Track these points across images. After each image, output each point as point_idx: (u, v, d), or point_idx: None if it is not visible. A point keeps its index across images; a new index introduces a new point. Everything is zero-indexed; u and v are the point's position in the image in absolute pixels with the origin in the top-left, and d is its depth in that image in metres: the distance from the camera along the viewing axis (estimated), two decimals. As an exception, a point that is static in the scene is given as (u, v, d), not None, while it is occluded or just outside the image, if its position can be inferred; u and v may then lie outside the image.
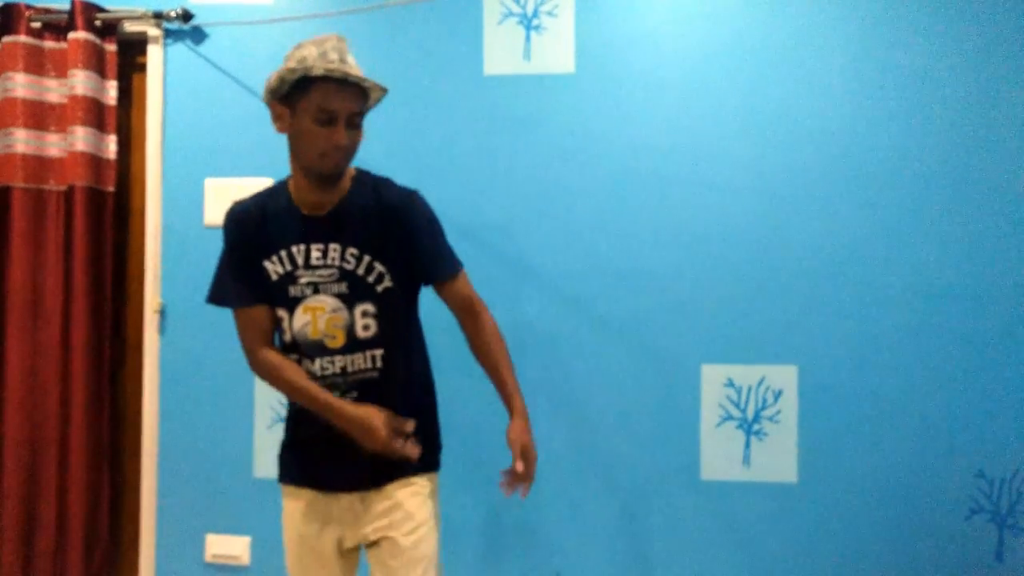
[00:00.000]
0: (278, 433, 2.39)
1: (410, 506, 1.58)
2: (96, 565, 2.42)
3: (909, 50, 2.27)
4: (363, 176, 1.61)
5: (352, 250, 1.54)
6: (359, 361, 1.56)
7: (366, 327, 1.56)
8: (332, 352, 1.55)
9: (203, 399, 2.44)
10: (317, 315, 1.54)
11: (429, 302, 1.70)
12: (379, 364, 1.57)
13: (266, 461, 2.42)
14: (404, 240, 1.56)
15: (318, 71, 1.43)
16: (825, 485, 2.26)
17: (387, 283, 1.56)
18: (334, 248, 1.54)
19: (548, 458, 2.34)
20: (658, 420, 2.31)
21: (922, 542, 2.23)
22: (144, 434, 2.46)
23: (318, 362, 1.56)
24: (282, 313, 1.57)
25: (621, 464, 2.32)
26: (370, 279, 1.55)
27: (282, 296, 1.55)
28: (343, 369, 1.56)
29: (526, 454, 1.55)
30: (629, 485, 2.31)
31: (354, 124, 1.50)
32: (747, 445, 2.30)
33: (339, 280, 1.54)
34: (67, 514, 2.39)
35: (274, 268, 1.55)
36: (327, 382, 1.56)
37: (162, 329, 2.47)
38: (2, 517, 2.37)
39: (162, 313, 2.46)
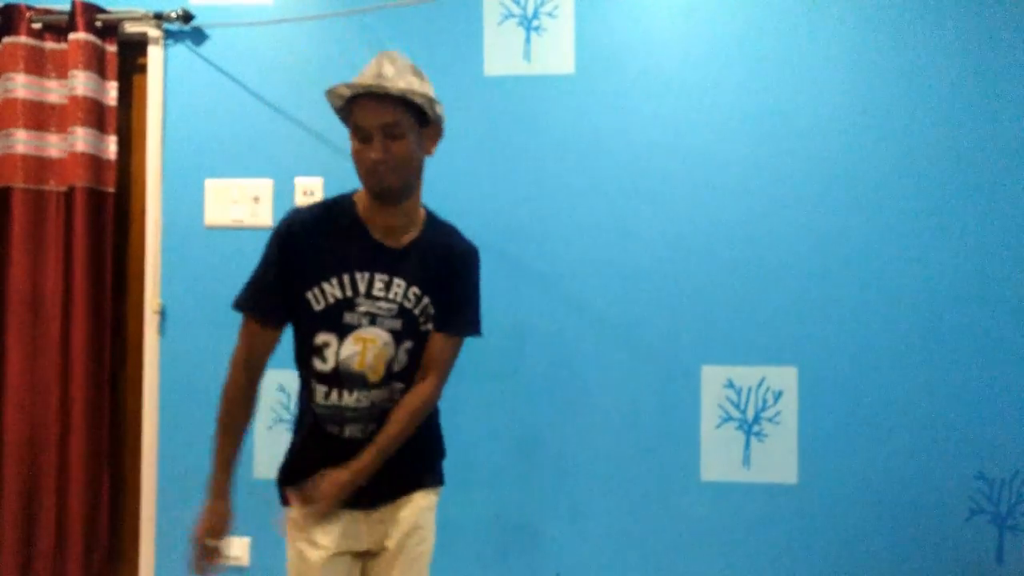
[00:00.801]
0: (278, 433, 2.40)
1: (414, 521, 1.58)
2: (96, 565, 2.42)
3: (909, 50, 2.27)
4: (435, 220, 1.58)
5: (415, 289, 1.50)
6: (385, 395, 1.54)
7: (400, 363, 1.53)
8: (370, 387, 1.51)
9: (203, 399, 2.44)
10: (367, 347, 1.48)
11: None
12: (396, 397, 1.55)
13: (266, 461, 2.41)
14: (450, 286, 1.54)
15: (345, 92, 1.41)
16: (825, 485, 2.26)
17: (428, 325, 1.54)
18: (399, 283, 1.49)
19: (548, 458, 2.34)
20: (658, 421, 2.31)
21: (922, 542, 2.23)
22: (144, 434, 2.46)
23: (355, 394, 1.50)
24: (328, 339, 1.48)
25: (621, 464, 2.32)
26: (421, 320, 1.52)
27: (334, 321, 1.47)
28: (372, 403, 1.52)
29: (315, 491, 1.49)
30: (629, 485, 2.31)
31: (394, 135, 1.40)
32: (747, 446, 2.30)
33: (396, 316, 1.49)
34: (67, 514, 2.39)
35: (332, 291, 1.47)
36: (354, 415, 1.52)
37: (162, 329, 2.47)
38: (2, 517, 2.37)
39: (162, 313, 2.47)
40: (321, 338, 1.49)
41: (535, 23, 2.38)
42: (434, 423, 1.69)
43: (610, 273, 2.33)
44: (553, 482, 2.33)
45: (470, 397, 2.27)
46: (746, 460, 2.29)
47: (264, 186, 2.44)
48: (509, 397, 2.35)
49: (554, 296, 2.35)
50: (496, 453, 2.35)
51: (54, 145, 2.44)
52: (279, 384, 2.41)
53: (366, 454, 1.49)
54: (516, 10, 2.39)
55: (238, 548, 2.41)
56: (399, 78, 1.41)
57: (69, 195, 2.39)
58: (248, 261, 2.38)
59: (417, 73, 1.46)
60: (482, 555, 2.34)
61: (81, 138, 2.37)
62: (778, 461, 2.28)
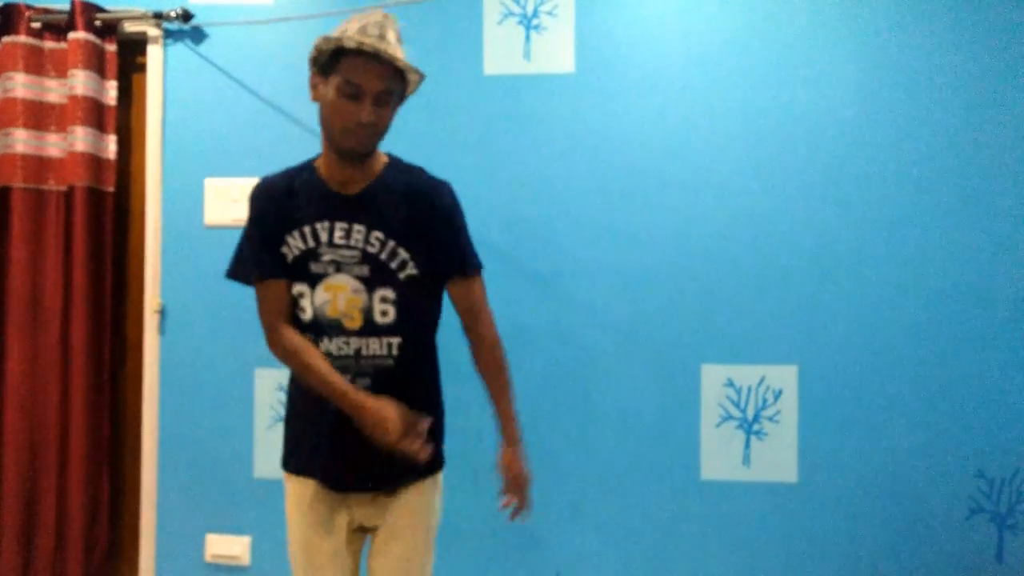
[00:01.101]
0: (278, 433, 2.39)
1: (417, 504, 1.60)
2: (96, 565, 2.42)
3: (910, 49, 2.27)
4: (396, 162, 1.60)
5: (377, 233, 1.52)
6: (374, 346, 1.53)
7: (384, 313, 1.53)
8: (348, 333, 1.53)
9: (203, 399, 2.44)
10: (338, 294, 1.52)
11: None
12: (395, 352, 1.54)
13: (266, 461, 2.42)
14: (428, 228, 1.54)
15: (350, 44, 1.41)
16: (825, 485, 2.26)
17: (410, 271, 1.54)
18: (358, 229, 1.52)
19: (549, 458, 2.34)
20: (658, 420, 2.31)
21: (922, 542, 2.23)
22: (144, 434, 2.46)
23: (335, 341, 1.53)
24: (302, 289, 1.54)
25: (621, 464, 2.32)
26: (392, 265, 1.53)
27: (303, 272, 1.53)
28: (357, 352, 1.53)
29: (516, 483, 1.60)
30: (629, 485, 2.31)
31: (382, 102, 1.45)
32: (747, 445, 2.30)
33: (361, 262, 1.52)
34: (67, 514, 2.39)
35: (295, 243, 1.53)
36: (341, 363, 1.53)
37: (162, 329, 2.47)
38: (2, 517, 2.37)
39: (162, 313, 2.46)
40: (296, 289, 1.55)
41: (535, 22, 2.38)
42: (442, 410, 1.68)
43: (610, 272, 2.33)
44: (553, 482, 2.33)
45: (470, 397, 2.27)
46: (746, 459, 2.30)
47: (264, 186, 2.43)
48: (509, 397, 2.35)
49: (554, 296, 2.35)
50: (496, 453, 2.34)
51: (54, 145, 2.44)
52: (279, 384, 2.41)
53: (508, 423, 1.62)
54: (516, 9, 2.39)
55: (238, 548, 2.41)
56: (398, 48, 1.46)
57: (69, 195, 2.39)
58: (248, 261, 2.35)
59: (402, 42, 1.50)
60: (482, 555, 2.34)
61: (81, 137, 2.37)
62: (778, 460, 2.28)
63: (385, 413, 1.46)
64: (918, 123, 2.26)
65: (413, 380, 1.58)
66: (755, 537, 2.28)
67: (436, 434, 1.65)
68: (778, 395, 2.29)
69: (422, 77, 1.51)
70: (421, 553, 1.61)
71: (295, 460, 1.63)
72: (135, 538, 2.48)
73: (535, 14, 2.38)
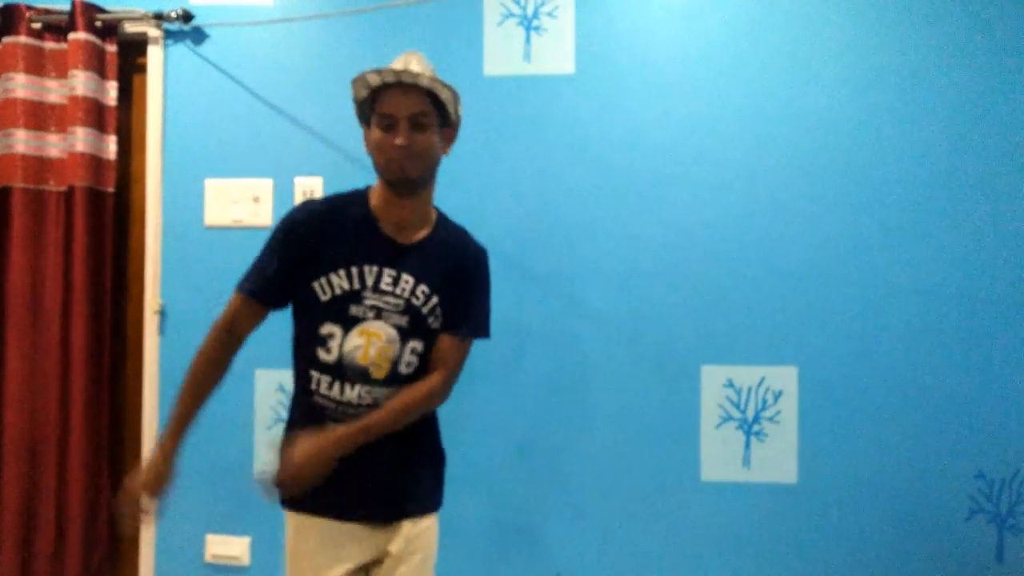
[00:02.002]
0: (278, 433, 2.40)
1: (421, 541, 1.56)
2: (96, 565, 2.42)
3: (910, 49, 2.27)
4: (446, 220, 1.59)
5: (423, 287, 1.50)
6: (383, 394, 1.50)
7: (409, 364, 1.51)
8: (373, 383, 1.49)
9: (203, 399, 2.44)
10: (371, 340, 1.47)
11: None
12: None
13: (266, 461, 2.41)
14: (462, 290, 1.54)
15: (374, 82, 1.44)
16: (825, 485, 2.26)
17: (436, 325, 1.53)
18: (407, 279, 1.48)
19: (548, 458, 2.34)
20: (658, 420, 2.31)
21: (922, 542, 2.23)
22: (144, 434, 2.46)
23: (356, 389, 1.48)
24: (333, 330, 1.47)
25: (621, 464, 2.32)
26: (429, 320, 1.51)
27: (340, 313, 1.47)
28: (375, 401, 1.50)
29: (291, 463, 1.46)
30: (629, 485, 2.31)
31: (419, 127, 1.44)
32: (747, 446, 2.30)
33: (403, 313, 1.48)
34: (66, 514, 2.39)
35: (339, 282, 1.47)
36: (356, 411, 1.48)
37: (162, 329, 2.47)
38: (2, 517, 2.37)
39: (162, 313, 2.46)
40: (326, 329, 1.48)
41: (535, 23, 2.38)
42: (437, 444, 1.65)
43: (610, 273, 2.33)
44: (553, 482, 2.33)
45: (470, 397, 2.27)
46: (746, 460, 2.29)
47: (264, 186, 2.44)
48: (509, 397, 2.35)
49: (554, 296, 2.35)
50: (496, 453, 2.35)
51: (54, 145, 2.44)
52: (279, 384, 2.41)
53: (350, 427, 1.45)
54: (516, 10, 2.39)
55: (238, 548, 2.41)
56: (423, 73, 1.43)
57: (69, 195, 2.39)
58: (248, 261, 2.38)
59: (438, 75, 1.48)
60: (482, 555, 2.34)
61: (81, 138, 2.37)
62: (778, 461, 2.28)
63: (150, 479, 1.52)
64: (918, 124, 2.27)
65: (422, 425, 1.57)
66: (755, 537, 2.28)
67: (438, 477, 1.65)
68: (778, 396, 2.29)
69: (455, 94, 1.48)
70: None
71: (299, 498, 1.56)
72: (135, 538, 2.48)
73: (535, 15, 2.38)
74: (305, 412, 1.54)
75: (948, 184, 2.25)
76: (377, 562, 1.57)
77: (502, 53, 2.39)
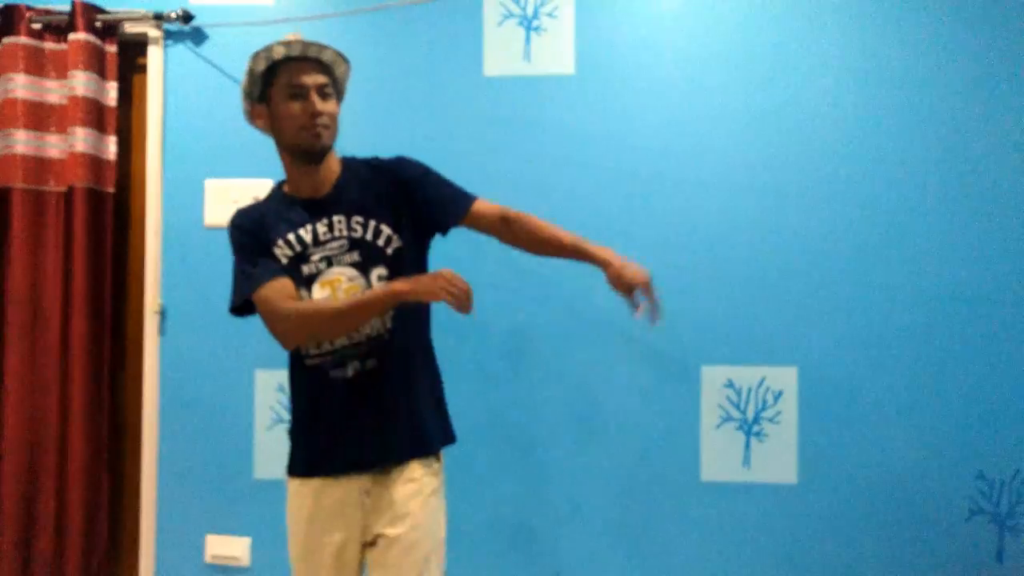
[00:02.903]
0: (278, 433, 2.41)
1: (409, 505, 1.55)
2: (95, 566, 2.42)
3: (910, 49, 2.27)
4: (350, 159, 1.68)
5: (357, 218, 1.58)
6: (376, 325, 1.57)
7: None
8: None
9: (203, 399, 2.44)
10: (336, 287, 1.56)
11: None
12: (389, 325, 1.58)
13: (266, 461, 2.42)
14: (405, 196, 1.61)
15: (278, 54, 1.54)
16: (825, 485, 2.26)
17: (396, 244, 1.58)
18: (339, 220, 1.57)
19: (548, 458, 2.34)
20: (658, 421, 2.31)
21: (922, 542, 2.23)
22: (144, 434, 2.46)
23: (342, 337, 1.56)
24: (301, 293, 1.56)
25: (621, 464, 2.32)
26: (379, 242, 1.57)
27: (296, 276, 1.56)
28: (368, 336, 1.57)
29: (634, 286, 1.58)
30: (629, 485, 2.31)
31: (325, 95, 1.55)
32: (747, 446, 2.30)
33: (350, 249, 1.57)
34: (66, 515, 2.38)
35: (283, 252, 1.57)
36: (353, 351, 1.56)
37: (162, 329, 2.47)
38: (1, 517, 2.37)
39: (162, 313, 2.47)
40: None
41: (535, 23, 2.38)
42: (436, 369, 1.70)
43: (610, 273, 2.33)
44: (553, 482, 2.33)
45: (470, 397, 2.27)
46: (746, 460, 2.29)
47: (264, 186, 2.41)
48: (509, 397, 2.35)
49: (554, 296, 2.35)
50: (496, 453, 2.35)
51: (54, 145, 2.44)
52: (279, 384, 2.41)
53: (588, 248, 1.66)
54: (516, 10, 2.39)
55: (238, 548, 2.41)
56: (326, 49, 1.57)
57: (69, 195, 2.39)
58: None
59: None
60: (482, 555, 2.34)
61: (81, 138, 2.37)
62: (778, 461, 2.28)
63: (426, 278, 1.48)
64: (918, 123, 2.27)
65: (412, 348, 1.62)
66: (755, 538, 2.28)
67: (442, 408, 1.69)
68: (778, 396, 2.29)
69: (349, 67, 1.62)
70: (429, 530, 1.58)
71: (300, 461, 1.62)
72: (135, 538, 2.48)
73: (535, 15, 2.38)
74: (305, 382, 1.60)
75: (949, 184, 2.25)
76: (372, 544, 1.57)
77: (502, 53, 2.39)
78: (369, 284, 1.56)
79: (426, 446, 1.61)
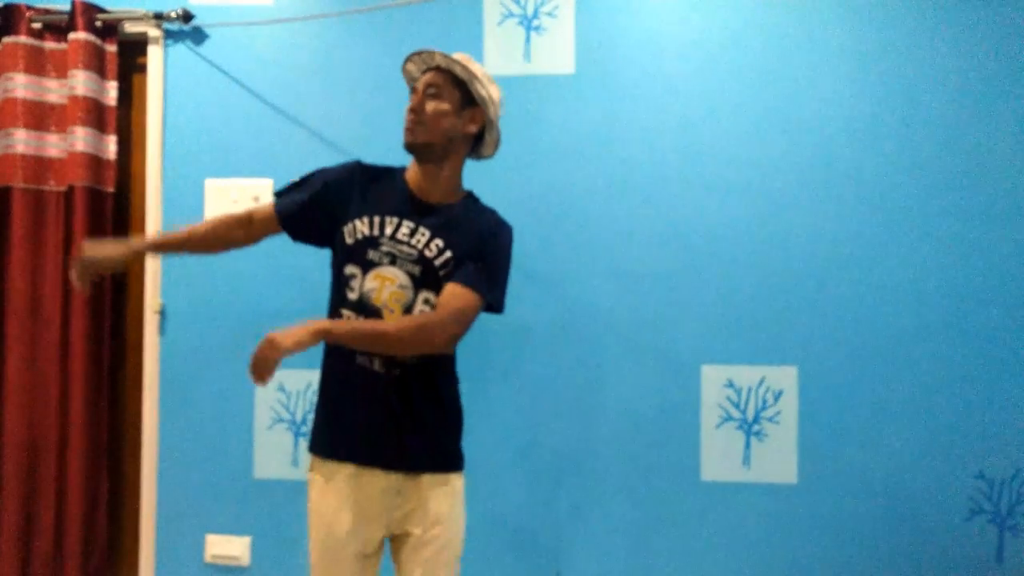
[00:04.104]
0: (278, 433, 2.41)
1: (442, 507, 1.62)
2: (94, 566, 2.42)
3: (909, 49, 2.27)
4: (475, 197, 1.74)
5: (438, 241, 1.61)
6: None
7: (422, 313, 1.60)
8: None
9: (203, 399, 2.44)
10: (385, 284, 1.60)
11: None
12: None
13: (266, 461, 2.42)
14: (477, 254, 1.63)
15: (414, 72, 1.71)
16: (825, 485, 2.26)
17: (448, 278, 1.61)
18: (423, 232, 1.62)
19: (548, 458, 2.34)
20: (658, 420, 2.31)
21: (922, 542, 2.23)
22: (144, 434, 2.46)
23: None
24: (355, 270, 1.62)
25: (621, 464, 2.32)
26: (442, 274, 1.61)
27: (360, 256, 1.61)
28: None
29: (264, 342, 1.47)
30: (629, 485, 2.31)
31: (431, 95, 1.62)
32: (747, 446, 2.30)
33: (415, 262, 1.60)
34: (65, 515, 2.38)
35: (361, 228, 1.63)
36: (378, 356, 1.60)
37: (162, 329, 2.47)
38: (1, 518, 2.37)
39: (162, 313, 2.46)
40: (349, 270, 1.63)
41: (535, 23, 2.38)
42: (460, 410, 1.73)
43: (610, 273, 2.33)
44: (553, 482, 2.33)
45: (470, 397, 2.27)
46: (746, 460, 2.29)
47: (264, 186, 2.44)
48: (509, 397, 2.35)
49: (554, 296, 2.35)
50: (496, 453, 2.35)
51: (54, 145, 2.44)
52: (279, 384, 2.41)
53: (339, 322, 1.57)
54: (516, 10, 2.39)
55: (238, 548, 2.41)
56: (438, 53, 1.64)
57: (69, 195, 2.39)
58: (248, 261, 2.39)
59: (473, 63, 1.65)
60: (482, 555, 2.34)
61: (81, 138, 2.37)
62: (778, 461, 2.28)
63: (98, 246, 1.69)
64: (918, 123, 2.27)
65: (436, 375, 1.65)
66: (755, 537, 2.28)
67: (455, 435, 1.71)
68: (778, 396, 2.29)
69: (473, 74, 1.62)
70: (458, 534, 1.66)
71: (323, 441, 1.66)
72: (135, 538, 2.48)
73: (535, 15, 2.38)
74: (336, 352, 1.63)
75: (949, 184, 2.25)
76: (398, 539, 1.63)
77: (502, 53, 2.39)
78: (414, 299, 1.59)
79: (451, 463, 1.68)
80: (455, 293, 1.59)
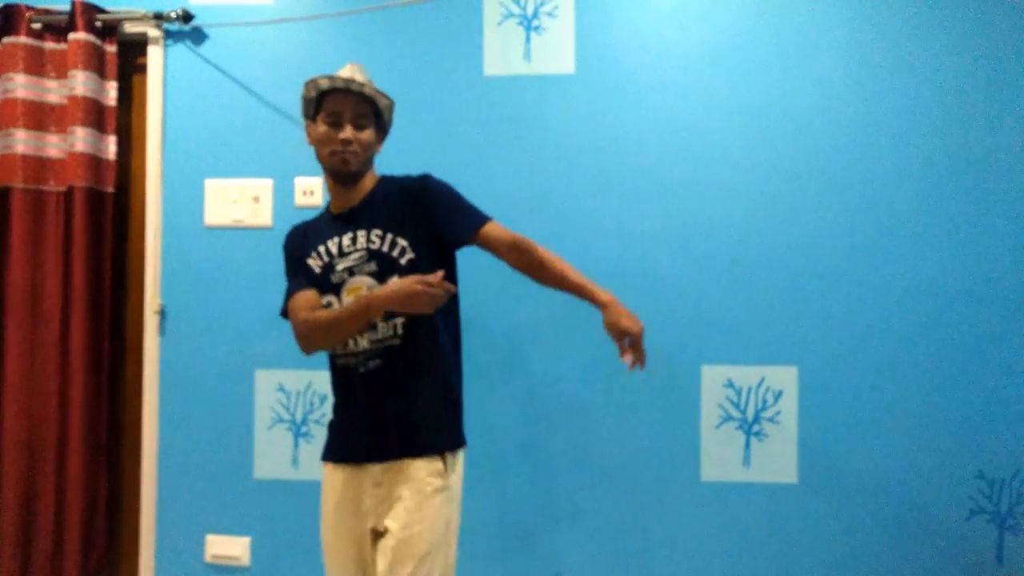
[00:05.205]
0: (278, 433, 2.41)
1: (411, 500, 1.63)
2: (95, 566, 2.42)
3: (909, 49, 2.27)
4: (387, 176, 1.81)
5: (375, 231, 1.70)
6: (388, 330, 1.68)
7: None
8: (375, 324, 1.68)
9: (203, 399, 2.44)
10: (358, 295, 1.67)
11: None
12: (400, 331, 1.68)
13: (266, 461, 2.42)
14: (422, 211, 1.71)
15: (324, 84, 1.72)
16: (825, 485, 2.26)
17: (410, 255, 1.68)
18: (360, 234, 1.71)
19: (548, 458, 2.34)
20: (658, 420, 2.31)
21: (922, 542, 2.23)
22: (144, 435, 2.46)
23: (366, 336, 1.68)
24: (331, 299, 1.72)
25: (621, 464, 2.32)
26: (394, 254, 1.68)
27: (327, 284, 1.72)
28: (381, 339, 1.69)
29: (624, 335, 1.66)
30: (629, 485, 2.31)
31: (360, 126, 1.71)
32: (747, 446, 2.30)
33: (368, 260, 1.69)
34: (65, 515, 2.38)
35: (315, 263, 1.74)
36: (374, 350, 1.68)
37: (162, 329, 2.47)
38: (1, 517, 2.37)
39: (162, 314, 2.46)
40: (326, 299, 1.73)
41: (535, 23, 2.38)
42: (458, 391, 1.77)
43: (610, 273, 2.32)
44: (553, 482, 2.33)
45: (470, 397, 2.27)
46: (746, 460, 2.29)
47: (264, 186, 2.44)
48: (509, 397, 2.35)
49: (554, 296, 2.34)
50: (496, 453, 2.35)
51: (54, 145, 2.44)
52: (279, 384, 2.41)
53: (591, 289, 1.70)
54: (516, 10, 2.39)
55: (238, 548, 2.41)
56: (366, 83, 1.72)
57: (69, 195, 2.39)
58: (248, 261, 2.40)
59: (376, 87, 1.76)
60: (482, 555, 2.34)
61: (81, 138, 2.37)
62: (778, 461, 2.28)
63: (405, 286, 1.58)
64: (918, 123, 2.27)
65: (421, 355, 1.69)
66: (755, 537, 2.28)
67: (450, 413, 1.74)
68: (778, 396, 2.29)
69: (391, 103, 1.78)
70: (427, 526, 1.63)
71: (327, 447, 1.77)
72: (135, 538, 2.48)
73: (535, 15, 2.38)
74: (338, 378, 1.76)
75: (949, 184, 2.25)
76: (379, 533, 1.66)
77: (502, 53, 2.39)
78: None
79: (419, 447, 1.67)
80: (494, 231, 1.72)
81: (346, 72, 1.74)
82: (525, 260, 1.73)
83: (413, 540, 1.60)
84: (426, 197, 1.73)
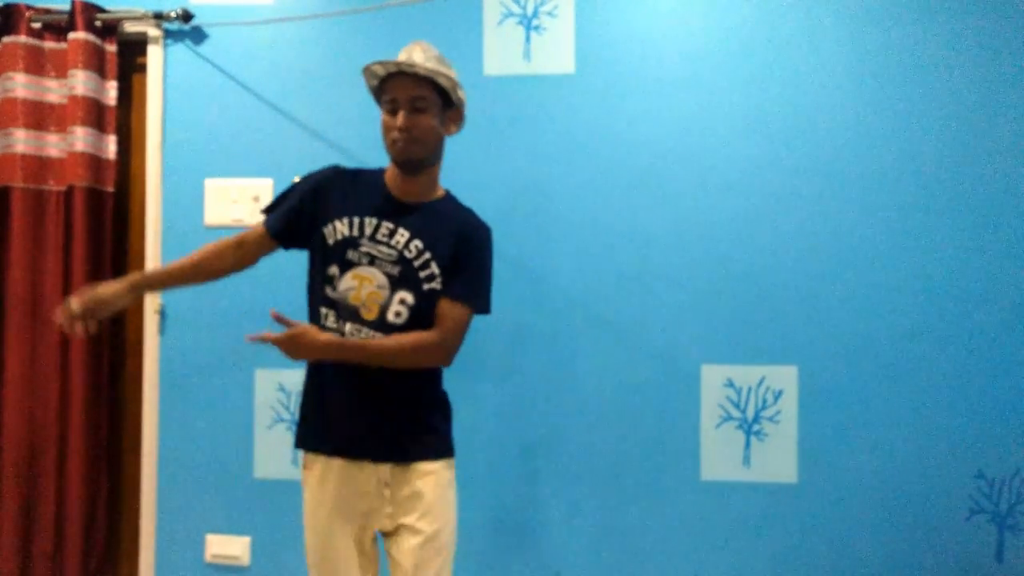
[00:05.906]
0: (278, 433, 2.41)
1: (432, 496, 1.64)
2: (94, 566, 2.42)
3: (910, 49, 2.27)
4: (453, 198, 1.74)
5: (417, 243, 1.63)
6: (375, 321, 1.62)
7: (398, 314, 1.62)
8: (363, 322, 1.62)
9: (203, 399, 2.44)
10: (363, 284, 1.62)
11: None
12: (404, 319, 1.62)
13: (266, 461, 2.42)
14: (460, 259, 1.65)
15: (380, 72, 1.63)
16: (825, 485, 2.26)
17: (434, 285, 1.63)
18: (402, 233, 1.63)
19: (548, 458, 2.34)
20: (658, 420, 2.31)
21: (922, 542, 2.23)
22: (144, 434, 2.46)
23: (349, 326, 1.62)
24: (334, 271, 1.64)
25: (621, 464, 2.32)
26: (421, 274, 1.63)
27: (340, 256, 1.64)
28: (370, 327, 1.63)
29: (288, 335, 1.58)
30: (629, 485, 2.31)
31: (417, 108, 1.59)
32: (747, 445, 2.30)
33: (395, 263, 1.63)
34: (65, 515, 2.39)
35: (341, 228, 1.64)
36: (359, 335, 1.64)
37: (162, 329, 2.47)
38: (1, 518, 2.37)
39: (162, 313, 2.46)
40: (331, 270, 1.65)
41: (535, 23, 2.38)
42: (446, 405, 1.76)
43: (610, 273, 2.33)
44: (553, 482, 2.33)
45: (470, 397, 2.27)
46: (746, 460, 2.29)
47: (264, 186, 2.44)
48: (509, 397, 2.35)
49: (553, 296, 2.35)
50: (496, 453, 2.35)
51: (54, 145, 2.44)
52: (279, 384, 2.41)
53: (348, 340, 1.59)
54: (516, 10, 2.39)
55: (238, 548, 2.41)
56: (427, 62, 1.60)
57: (68, 195, 2.39)
58: (248, 261, 2.33)
59: (443, 61, 1.66)
60: (482, 555, 2.34)
61: (81, 138, 2.37)
62: (778, 461, 2.28)
63: (88, 292, 1.66)
64: (919, 123, 2.27)
65: (411, 376, 1.65)
66: (755, 537, 2.28)
67: (444, 424, 1.73)
68: (778, 395, 2.29)
69: (453, 80, 1.63)
70: (447, 523, 1.67)
71: (311, 435, 1.68)
72: (135, 538, 2.48)
73: (535, 14, 2.38)
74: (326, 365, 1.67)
75: (949, 184, 2.25)
76: (393, 533, 1.65)
77: (502, 53, 2.39)
78: (390, 300, 1.62)
79: (434, 450, 1.68)
80: (448, 310, 1.64)
81: (403, 54, 1.63)
82: (417, 359, 1.64)
83: (438, 536, 1.63)
84: (473, 250, 1.67)
